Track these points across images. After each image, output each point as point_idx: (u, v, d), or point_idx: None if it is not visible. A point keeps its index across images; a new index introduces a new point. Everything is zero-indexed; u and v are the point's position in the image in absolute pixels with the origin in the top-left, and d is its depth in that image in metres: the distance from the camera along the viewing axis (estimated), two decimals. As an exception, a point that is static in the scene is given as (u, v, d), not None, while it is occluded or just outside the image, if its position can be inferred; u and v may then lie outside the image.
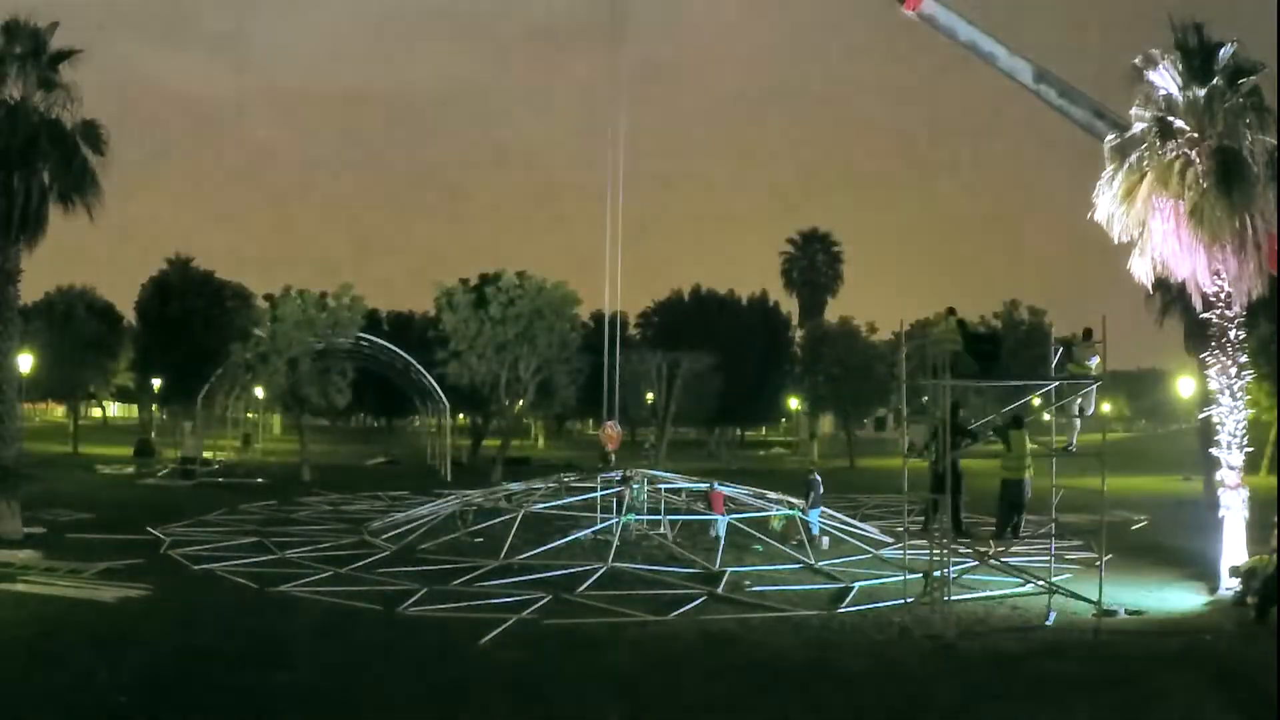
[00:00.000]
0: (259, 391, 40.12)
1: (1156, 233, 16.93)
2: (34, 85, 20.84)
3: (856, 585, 17.64)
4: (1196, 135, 16.66)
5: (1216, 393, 17.32)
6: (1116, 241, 17.36)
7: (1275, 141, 16.67)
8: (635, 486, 23.28)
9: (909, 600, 14.52)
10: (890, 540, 22.12)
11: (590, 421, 75.92)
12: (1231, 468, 16.84)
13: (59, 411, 76.43)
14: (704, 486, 24.54)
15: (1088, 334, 15.67)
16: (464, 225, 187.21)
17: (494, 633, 13.67)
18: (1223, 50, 16.62)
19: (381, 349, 45.65)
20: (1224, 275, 16.83)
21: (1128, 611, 14.85)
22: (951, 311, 15.39)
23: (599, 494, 22.94)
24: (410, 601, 15.94)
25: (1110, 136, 17.42)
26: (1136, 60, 17.19)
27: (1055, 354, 15.76)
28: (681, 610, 15.83)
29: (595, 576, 17.94)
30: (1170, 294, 31.86)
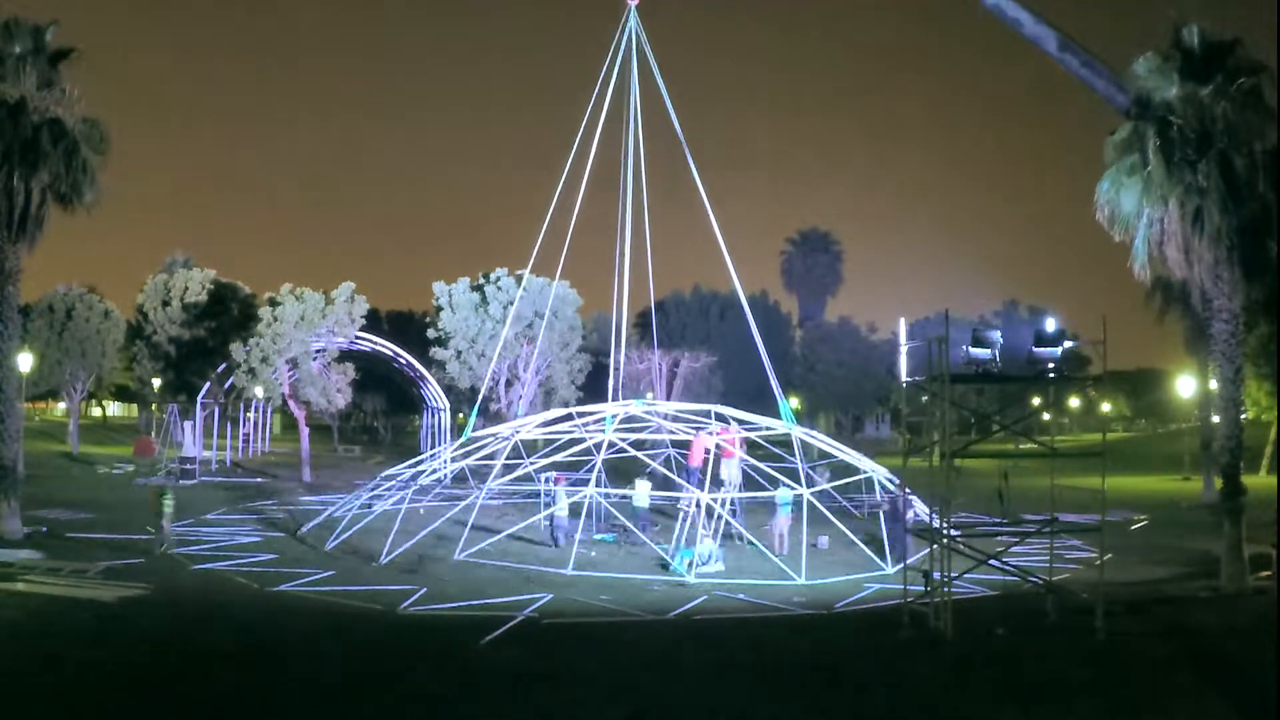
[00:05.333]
0: (259, 391, 40.02)
1: (1156, 233, 16.94)
2: (34, 84, 20.79)
3: (872, 586, 17.67)
4: (1197, 135, 16.65)
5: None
6: (1116, 241, 17.38)
7: (1275, 142, 16.66)
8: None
9: (908, 600, 14.52)
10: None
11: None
12: None
13: (59, 411, 76.33)
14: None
15: None
16: (465, 224, 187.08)
17: (496, 633, 13.67)
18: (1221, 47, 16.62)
19: (382, 348, 45.74)
20: (1224, 276, 16.83)
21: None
22: None
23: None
24: (410, 601, 15.95)
25: (1112, 134, 17.42)
26: (1137, 60, 17.18)
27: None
28: (682, 609, 15.84)
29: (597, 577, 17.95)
30: (1170, 294, 32.04)
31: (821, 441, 24.93)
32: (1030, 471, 23.92)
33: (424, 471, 24.90)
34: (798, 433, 23.74)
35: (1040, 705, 10.54)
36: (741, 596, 17.03)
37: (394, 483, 24.86)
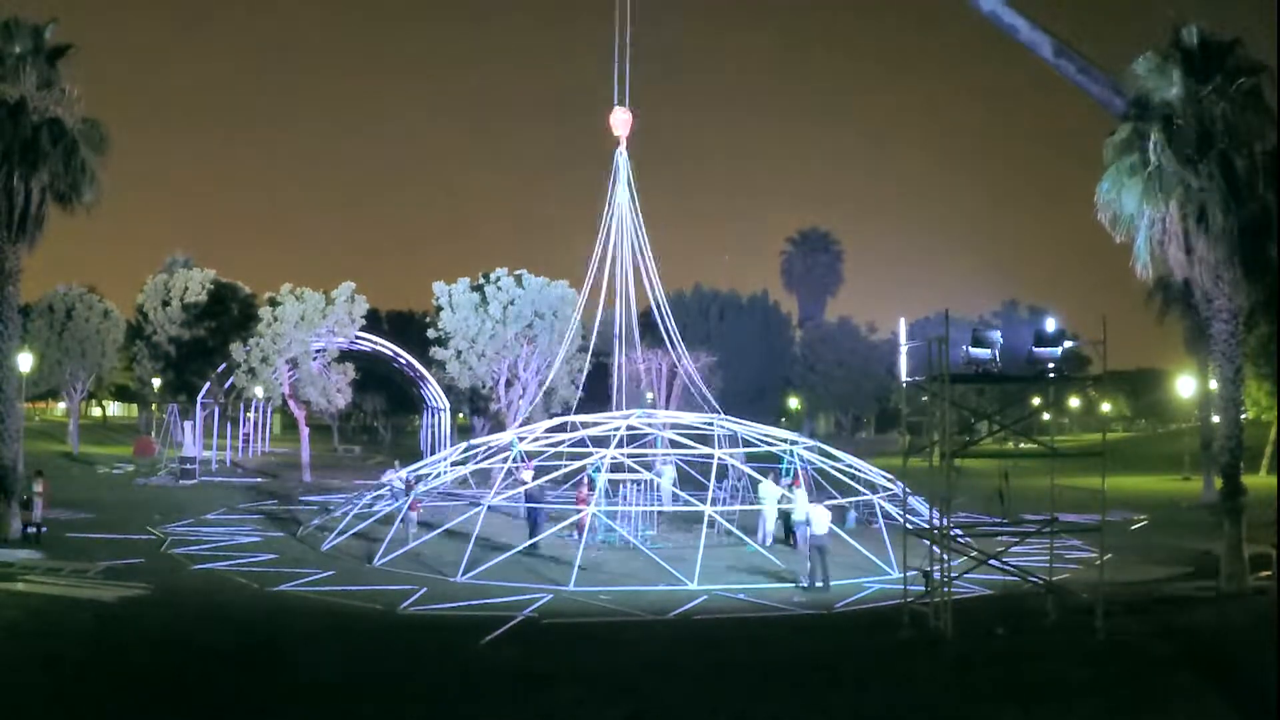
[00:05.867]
0: (259, 391, 40.02)
1: (1158, 233, 16.93)
2: (34, 84, 20.76)
3: (872, 586, 17.66)
4: (1197, 135, 16.64)
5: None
6: (1117, 241, 17.37)
7: (1275, 142, 16.65)
8: None
9: (908, 600, 14.51)
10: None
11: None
12: None
13: (59, 411, 76.35)
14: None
15: None
16: (465, 224, 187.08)
17: (496, 633, 13.67)
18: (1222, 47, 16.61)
19: (382, 348, 45.69)
20: (1225, 276, 16.82)
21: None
22: None
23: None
24: (410, 601, 15.94)
25: (1113, 134, 17.41)
26: (1138, 60, 17.16)
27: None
28: (682, 609, 15.84)
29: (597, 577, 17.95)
30: (1170, 294, 32.01)
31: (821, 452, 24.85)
32: (1030, 471, 23.92)
33: (426, 476, 24.91)
34: (800, 449, 23.82)
35: (1040, 705, 10.53)
36: (741, 596, 17.03)
37: (396, 486, 24.83)
